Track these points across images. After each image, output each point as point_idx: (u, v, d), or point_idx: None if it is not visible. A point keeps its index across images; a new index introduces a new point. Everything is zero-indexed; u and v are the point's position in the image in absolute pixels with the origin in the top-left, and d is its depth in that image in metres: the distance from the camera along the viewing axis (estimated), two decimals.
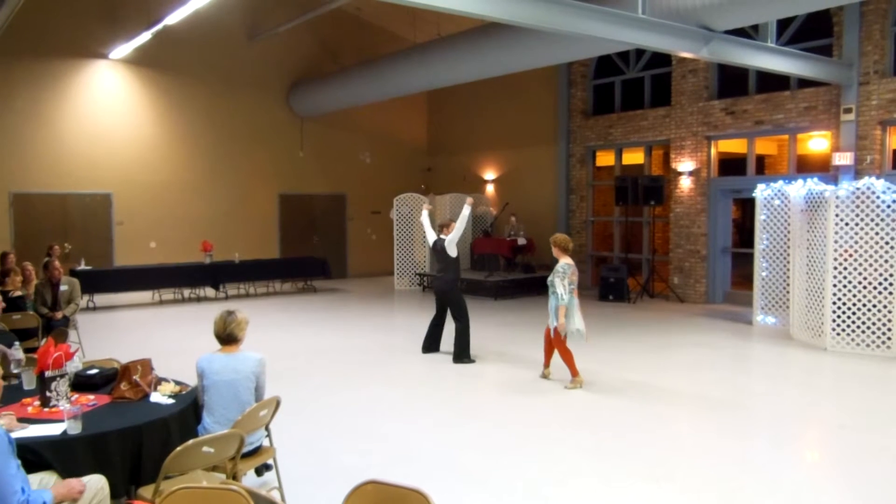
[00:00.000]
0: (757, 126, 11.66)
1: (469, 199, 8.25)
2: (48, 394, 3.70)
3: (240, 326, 4.05)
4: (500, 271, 14.31)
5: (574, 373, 6.88)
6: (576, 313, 6.81)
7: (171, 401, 3.81)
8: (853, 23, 10.31)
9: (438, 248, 8.10)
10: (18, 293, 7.75)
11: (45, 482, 3.08)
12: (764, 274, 10.24)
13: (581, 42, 9.42)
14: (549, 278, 6.85)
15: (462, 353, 7.96)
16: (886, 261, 8.15)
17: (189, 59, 14.78)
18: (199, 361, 3.98)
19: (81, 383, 4.04)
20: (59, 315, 7.75)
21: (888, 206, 8.13)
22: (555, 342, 6.92)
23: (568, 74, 14.63)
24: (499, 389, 6.96)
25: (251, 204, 15.82)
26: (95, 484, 3.07)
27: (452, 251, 8.00)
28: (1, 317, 6.66)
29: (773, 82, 11.29)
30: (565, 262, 6.86)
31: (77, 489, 2.94)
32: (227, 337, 4.02)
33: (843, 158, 10.38)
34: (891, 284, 8.13)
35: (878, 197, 8.18)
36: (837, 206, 8.40)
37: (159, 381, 4.04)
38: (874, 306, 8.24)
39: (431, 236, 8.33)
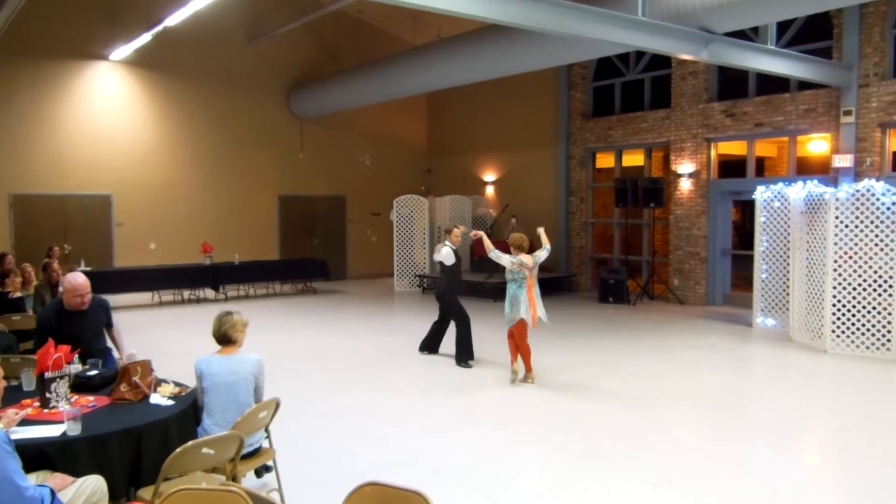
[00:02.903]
0: (757, 128, 11.66)
1: (462, 229, 8.24)
2: (48, 395, 3.69)
3: (235, 328, 4.04)
4: (499, 273, 14.29)
5: (529, 368, 7.10)
6: (522, 304, 6.92)
7: (170, 402, 3.81)
8: (853, 25, 10.32)
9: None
10: (18, 294, 7.75)
11: (41, 480, 3.09)
12: (764, 276, 10.24)
13: (581, 44, 9.43)
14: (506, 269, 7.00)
15: (461, 356, 7.95)
16: (886, 263, 8.15)
17: (189, 60, 14.79)
18: (198, 363, 3.97)
19: (81, 384, 4.04)
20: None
21: (888, 209, 8.13)
22: (518, 332, 6.97)
23: (568, 76, 14.64)
24: (498, 391, 6.95)
25: (251, 205, 15.82)
26: (93, 483, 3.07)
27: (448, 261, 8.02)
28: (1, 318, 6.66)
29: (772, 84, 11.29)
30: (514, 255, 6.99)
31: (69, 480, 2.99)
32: (223, 337, 4.02)
33: (843, 160, 10.39)
34: (890, 286, 8.13)
35: (877, 199, 8.19)
36: (837, 209, 8.41)
37: (159, 382, 4.04)
38: (874, 308, 8.24)
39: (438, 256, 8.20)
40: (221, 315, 4.06)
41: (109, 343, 5.16)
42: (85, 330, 4.81)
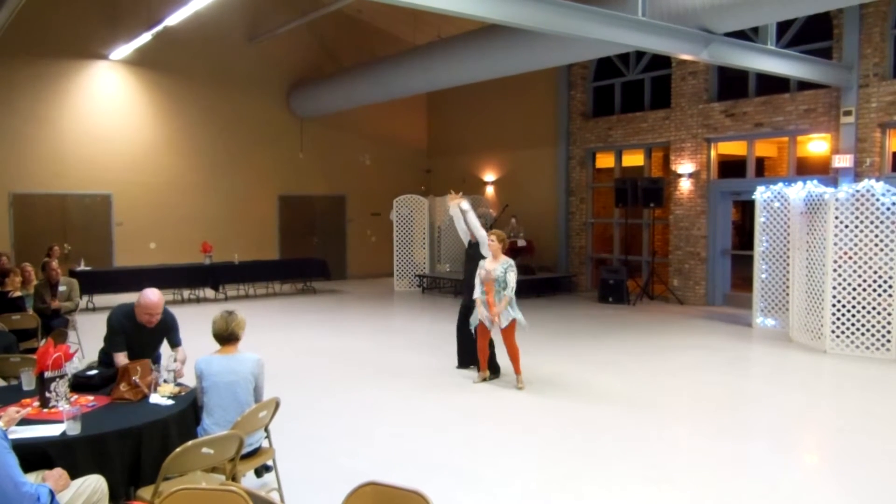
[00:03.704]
0: (757, 128, 11.66)
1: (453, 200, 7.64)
2: (47, 394, 3.69)
3: (240, 326, 4.08)
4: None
5: (518, 370, 6.93)
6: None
7: (170, 402, 3.81)
8: (853, 25, 10.32)
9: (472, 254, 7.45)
10: (18, 294, 7.75)
11: (39, 480, 3.09)
12: (763, 276, 10.24)
13: (581, 44, 9.42)
14: (501, 275, 6.73)
15: None
16: (886, 263, 8.15)
17: (189, 60, 14.78)
18: (198, 363, 3.97)
19: (81, 384, 4.04)
20: (53, 304, 7.77)
21: (888, 209, 8.13)
22: (508, 336, 6.85)
23: (568, 76, 14.64)
24: (498, 392, 6.94)
25: (251, 205, 15.82)
26: (93, 483, 3.07)
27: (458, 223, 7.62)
28: (1, 317, 6.66)
29: (772, 84, 11.29)
30: (509, 258, 6.87)
31: (66, 479, 2.98)
32: (229, 336, 4.02)
33: (843, 161, 10.39)
34: (890, 287, 8.13)
35: (877, 199, 8.19)
36: (837, 209, 8.41)
37: (158, 382, 4.04)
38: (874, 308, 8.24)
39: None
40: (225, 315, 4.06)
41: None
42: (146, 345, 4.65)
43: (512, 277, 6.73)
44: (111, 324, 4.65)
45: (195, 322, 10.81)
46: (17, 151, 13.15)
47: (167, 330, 4.80)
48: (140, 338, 4.61)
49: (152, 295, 4.50)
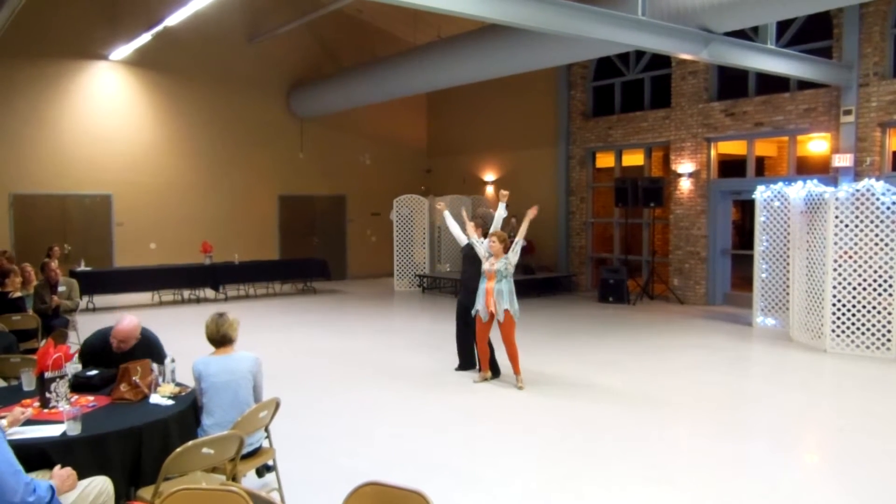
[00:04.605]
0: (757, 128, 11.66)
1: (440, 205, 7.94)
2: (48, 395, 3.70)
3: (233, 327, 4.07)
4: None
5: (518, 370, 6.94)
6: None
7: (170, 402, 3.81)
8: (853, 25, 10.32)
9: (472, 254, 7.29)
10: (18, 294, 7.75)
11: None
12: (764, 275, 10.24)
13: (581, 44, 9.43)
14: (503, 266, 6.77)
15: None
16: (886, 262, 8.15)
17: (189, 60, 14.79)
18: (196, 364, 3.97)
19: (81, 384, 4.04)
20: (53, 301, 7.77)
21: (888, 208, 8.13)
22: (508, 333, 6.82)
23: (568, 76, 14.64)
24: (498, 391, 6.95)
25: (251, 205, 15.82)
26: (100, 485, 3.07)
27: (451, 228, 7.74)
28: (1, 318, 6.66)
29: (772, 84, 11.29)
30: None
31: (74, 478, 2.95)
32: (222, 339, 4.03)
33: (843, 160, 10.39)
34: (890, 286, 8.13)
35: (877, 199, 8.19)
36: (837, 208, 8.41)
37: (158, 382, 4.04)
38: (874, 308, 8.24)
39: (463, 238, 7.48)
40: (216, 318, 4.06)
41: None
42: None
43: (514, 256, 6.80)
44: (83, 345, 4.61)
45: (195, 323, 10.85)
46: (17, 152, 13.16)
47: (148, 353, 4.58)
48: (114, 361, 4.38)
49: (124, 322, 4.41)
